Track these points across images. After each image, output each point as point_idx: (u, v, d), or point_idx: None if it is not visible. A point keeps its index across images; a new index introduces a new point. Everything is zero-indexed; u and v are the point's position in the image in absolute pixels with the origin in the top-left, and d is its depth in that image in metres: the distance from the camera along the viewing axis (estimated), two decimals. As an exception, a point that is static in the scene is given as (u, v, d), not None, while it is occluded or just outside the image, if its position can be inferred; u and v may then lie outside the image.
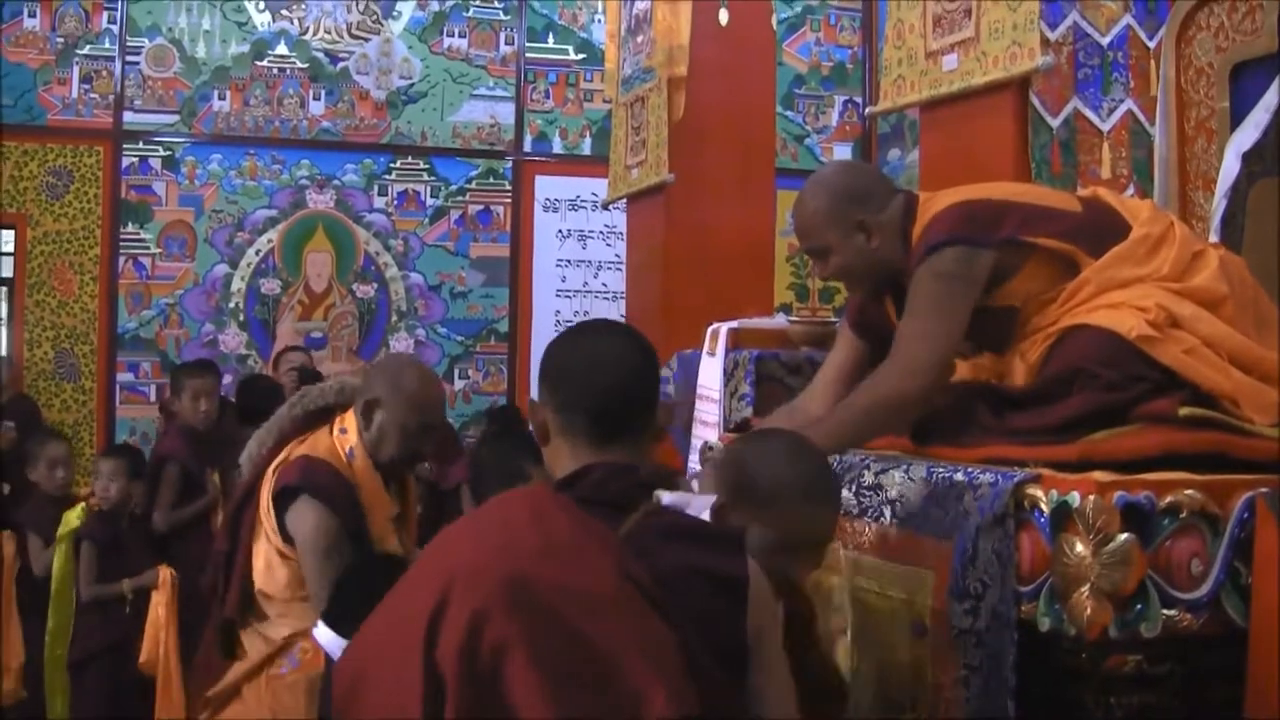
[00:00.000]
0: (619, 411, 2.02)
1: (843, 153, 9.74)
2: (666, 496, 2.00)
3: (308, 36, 9.03)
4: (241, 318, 8.85)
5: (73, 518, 5.60)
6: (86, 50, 8.67)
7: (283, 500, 3.28)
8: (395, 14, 9.16)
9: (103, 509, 5.50)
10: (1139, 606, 2.19)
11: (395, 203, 9.13)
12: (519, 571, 1.75)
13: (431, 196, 9.19)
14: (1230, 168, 3.58)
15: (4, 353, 8.36)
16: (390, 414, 3.32)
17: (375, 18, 9.13)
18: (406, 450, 3.37)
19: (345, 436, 3.35)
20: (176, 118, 8.81)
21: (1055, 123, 4.60)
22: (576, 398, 2.02)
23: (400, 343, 8.90)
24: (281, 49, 9.00)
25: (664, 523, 1.95)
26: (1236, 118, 3.70)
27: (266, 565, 3.31)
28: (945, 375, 2.81)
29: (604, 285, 9.36)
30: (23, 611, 5.76)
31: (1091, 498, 2.19)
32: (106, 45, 8.70)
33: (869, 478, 2.72)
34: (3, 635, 5.60)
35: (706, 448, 3.43)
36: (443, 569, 1.83)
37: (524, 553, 1.79)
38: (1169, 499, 2.24)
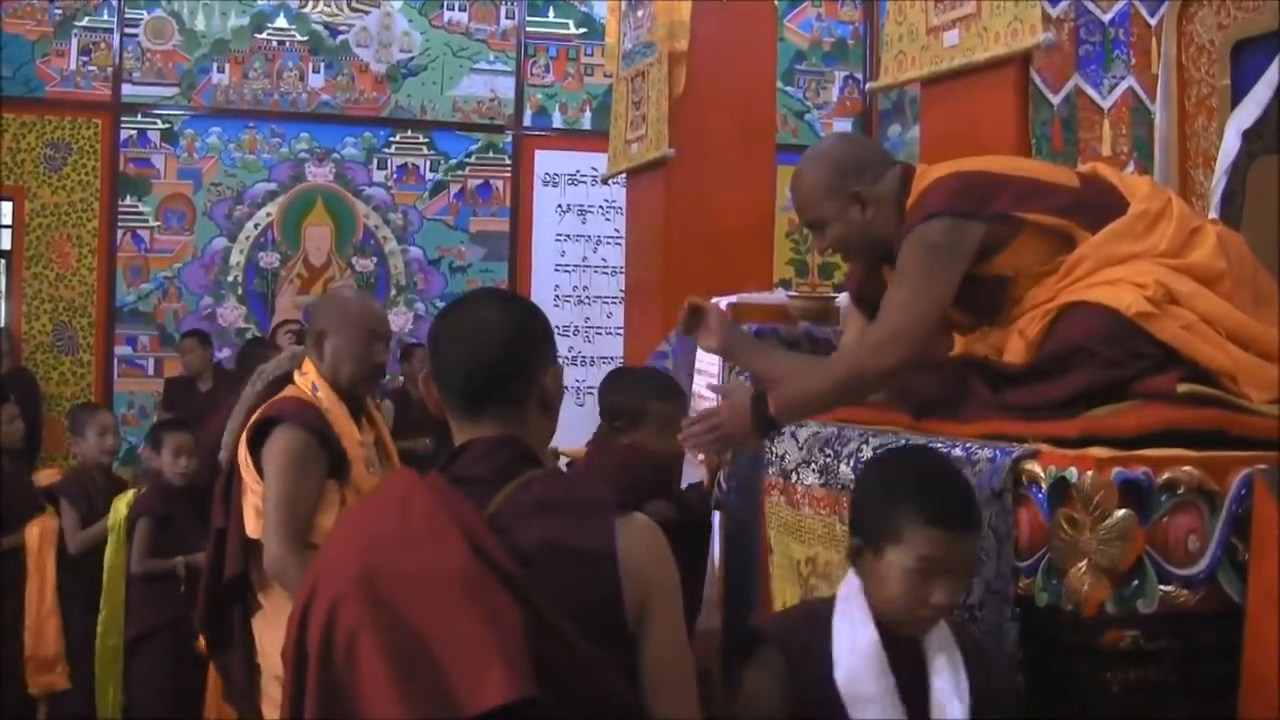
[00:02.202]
0: (483, 382, 1.97)
1: (843, 128, 9.72)
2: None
3: (307, 9, 9.01)
4: (240, 291, 8.84)
5: (122, 505, 5.49)
6: (85, 22, 8.65)
7: (257, 441, 3.35)
8: (395, -13, 9.14)
9: (170, 484, 5.34)
10: (1136, 582, 2.20)
11: (394, 176, 9.12)
12: (371, 560, 1.82)
13: (431, 170, 9.18)
14: (1230, 145, 3.56)
15: (2, 325, 8.35)
16: (338, 335, 3.45)
17: (375, -10, 9.12)
18: (364, 365, 3.48)
19: (306, 377, 3.48)
20: (175, 90, 8.80)
21: (1056, 100, 4.58)
22: (446, 372, 2.00)
23: (399, 317, 8.89)
24: (281, 22, 8.98)
25: (534, 496, 1.90)
26: (1237, 95, 3.68)
27: (255, 514, 3.36)
28: (926, 345, 2.80)
29: (603, 260, 9.36)
30: (64, 598, 5.61)
31: (1089, 474, 2.19)
32: (105, 17, 8.68)
33: (866, 452, 2.73)
34: (28, 624, 5.52)
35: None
36: (321, 555, 1.94)
37: (379, 541, 1.85)
38: (1167, 475, 2.24)
